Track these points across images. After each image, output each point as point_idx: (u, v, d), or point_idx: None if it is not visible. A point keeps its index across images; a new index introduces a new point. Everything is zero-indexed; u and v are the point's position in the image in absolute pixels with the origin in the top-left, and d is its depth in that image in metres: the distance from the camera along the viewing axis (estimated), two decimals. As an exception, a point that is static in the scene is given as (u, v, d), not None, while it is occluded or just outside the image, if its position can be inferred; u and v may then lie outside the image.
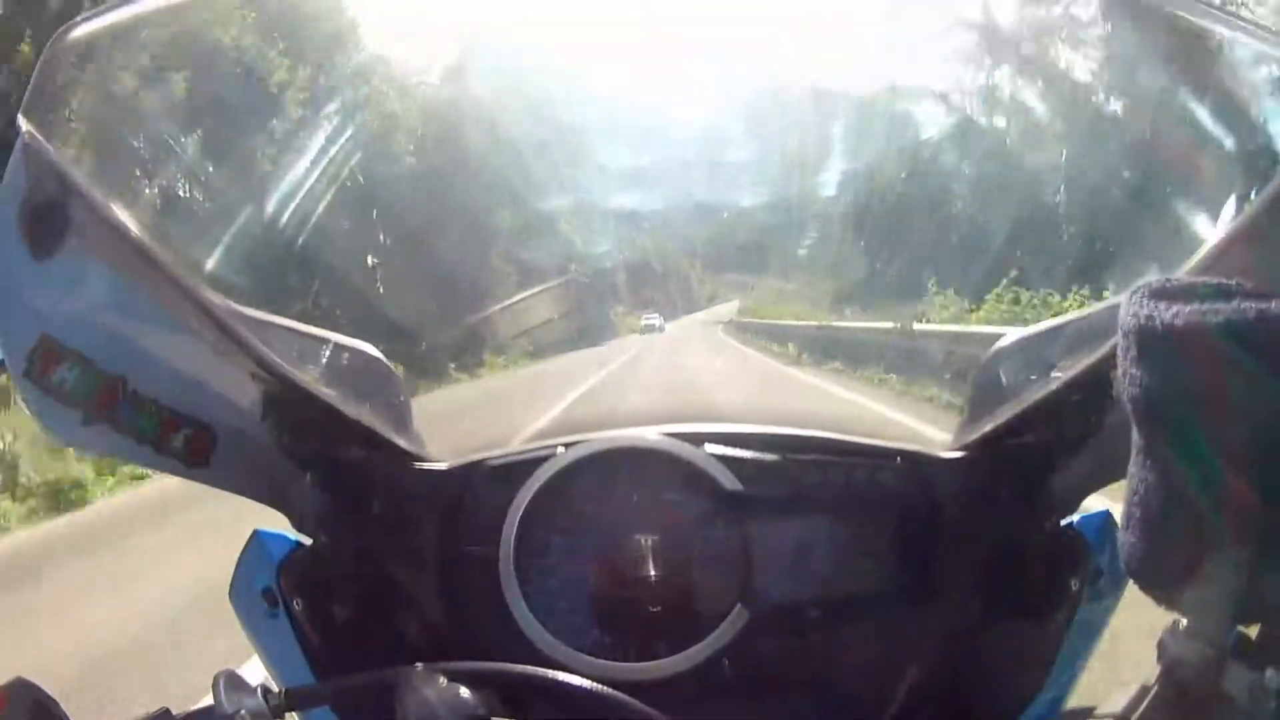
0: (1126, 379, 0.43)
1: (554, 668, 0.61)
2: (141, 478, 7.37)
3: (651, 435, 0.81)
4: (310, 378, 0.74)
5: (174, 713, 0.59)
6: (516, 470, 0.80)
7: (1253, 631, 0.53)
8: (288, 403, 0.74)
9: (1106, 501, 0.78)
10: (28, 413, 0.67)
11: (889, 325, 7.87)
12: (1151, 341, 0.41)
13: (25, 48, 8.66)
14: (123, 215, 0.64)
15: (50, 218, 0.63)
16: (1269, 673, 0.52)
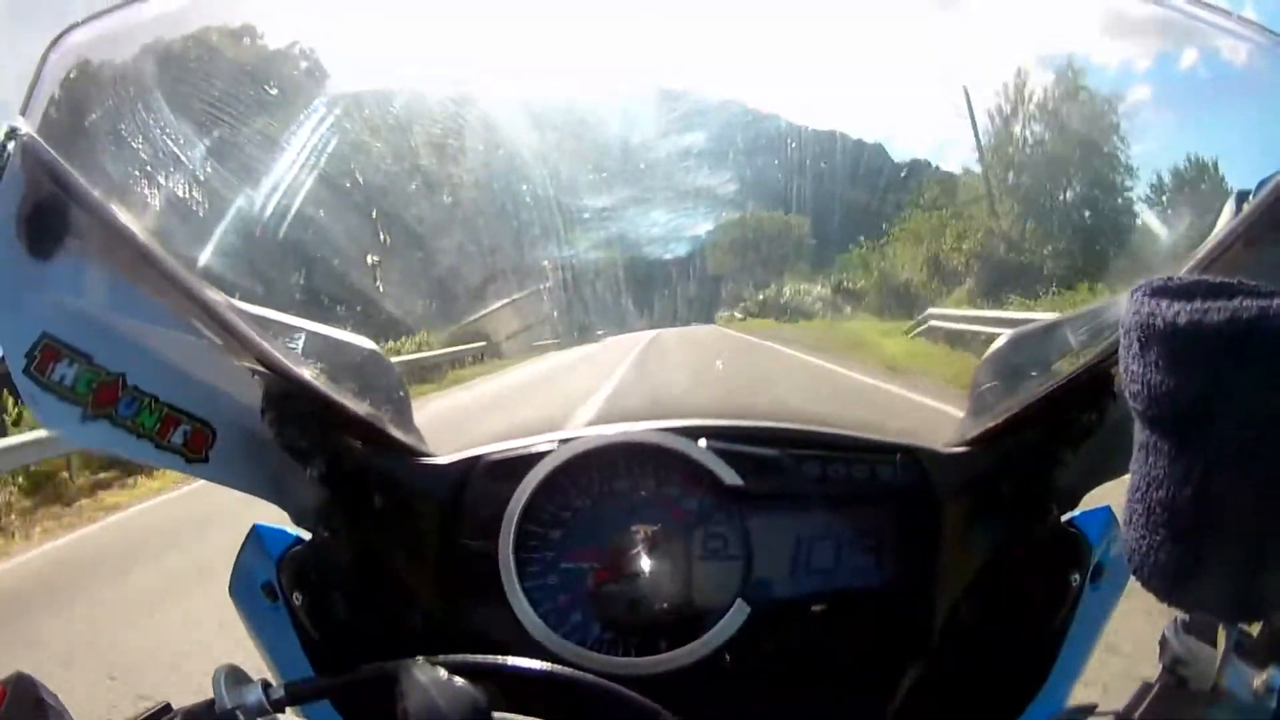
0: (1128, 376, 0.43)
1: (554, 662, 0.61)
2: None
3: (651, 431, 0.81)
4: (310, 372, 0.74)
5: (175, 707, 0.59)
6: (516, 465, 0.80)
7: (1254, 629, 0.53)
8: (287, 397, 0.74)
9: (1106, 498, 0.78)
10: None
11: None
12: (1153, 339, 0.41)
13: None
14: (121, 214, 0.64)
15: (48, 218, 0.63)
16: (1270, 670, 0.52)
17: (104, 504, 8.16)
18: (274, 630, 0.76)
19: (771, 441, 0.82)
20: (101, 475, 8.90)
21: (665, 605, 0.78)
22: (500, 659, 0.60)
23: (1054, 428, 0.79)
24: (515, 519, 0.78)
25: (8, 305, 0.65)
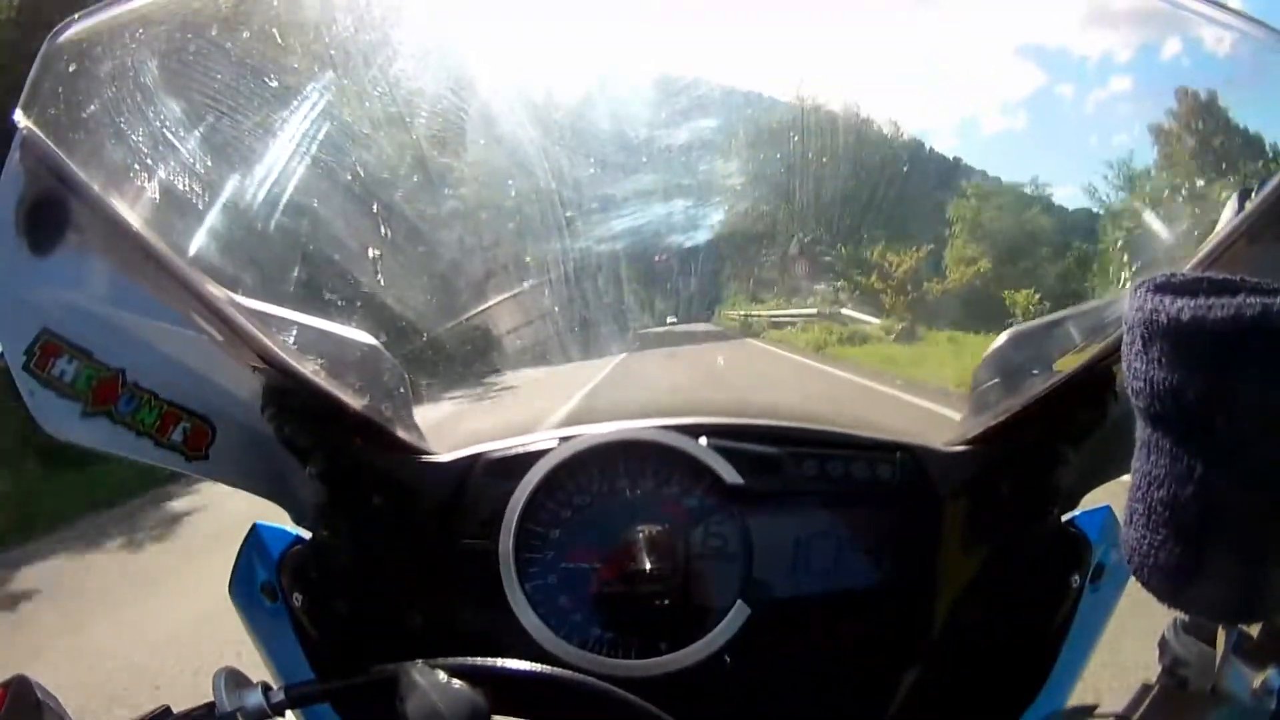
0: (1130, 373, 0.43)
1: (554, 664, 0.61)
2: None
3: (652, 428, 0.81)
4: (310, 368, 0.74)
5: (174, 710, 0.59)
6: (517, 463, 0.80)
7: (1254, 630, 0.53)
8: (287, 394, 0.74)
9: (1107, 498, 0.78)
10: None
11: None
12: (1156, 335, 0.41)
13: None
14: (122, 209, 0.64)
15: (49, 212, 0.63)
16: (1269, 671, 0.52)
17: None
18: (274, 631, 0.76)
19: (772, 439, 0.82)
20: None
21: (665, 606, 0.78)
22: (500, 662, 0.60)
23: (1055, 426, 0.78)
24: (516, 517, 0.77)
25: (7, 301, 0.65)
